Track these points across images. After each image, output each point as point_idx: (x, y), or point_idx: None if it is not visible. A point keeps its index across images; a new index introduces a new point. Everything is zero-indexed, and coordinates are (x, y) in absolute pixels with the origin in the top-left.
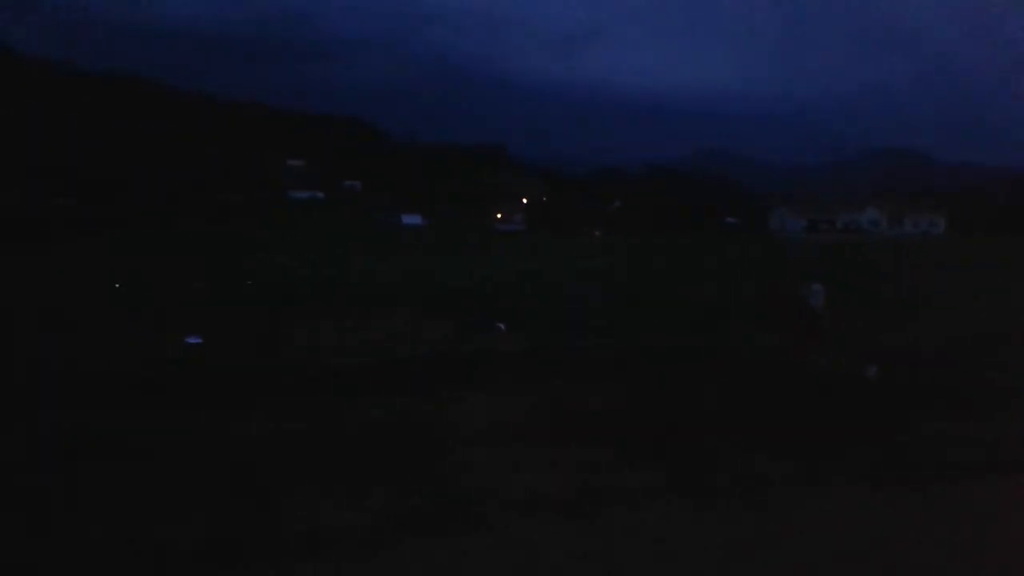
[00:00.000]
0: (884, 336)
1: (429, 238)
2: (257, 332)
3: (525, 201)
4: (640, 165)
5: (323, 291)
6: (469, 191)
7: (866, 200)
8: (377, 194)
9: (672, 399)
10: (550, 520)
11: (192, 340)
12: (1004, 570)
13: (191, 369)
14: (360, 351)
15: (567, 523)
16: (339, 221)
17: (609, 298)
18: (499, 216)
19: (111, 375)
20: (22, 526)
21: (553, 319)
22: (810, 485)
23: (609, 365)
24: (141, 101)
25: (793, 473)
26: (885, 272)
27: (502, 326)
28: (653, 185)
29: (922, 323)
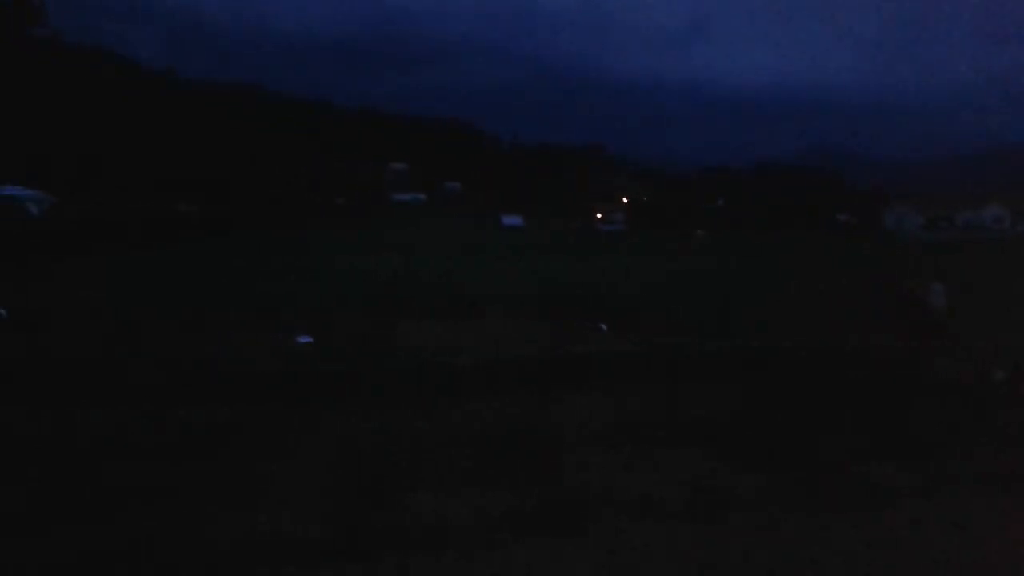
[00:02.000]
0: (1012, 338)
1: (529, 239)
2: (367, 332)
3: (626, 201)
4: (748, 163)
5: (427, 292)
6: (570, 191)
7: (989, 196)
8: (478, 195)
9: (785, 402)
10: (661, 525)
11: (303, 340)
12: None
13: (306, 368)
14: (466, 352)
15: (678, 528)
16: (440, 222)
17: (714, 298)
18: (600, 216)
19: (232, 373)
20: (157, 515)
21: (657, 320)
22: (933, 493)
23: (717, 366)
24: (252, 108)
25: (915, 480)
26: (1011, 271)
27: (604, 327)
28: (761, 183)
29: None
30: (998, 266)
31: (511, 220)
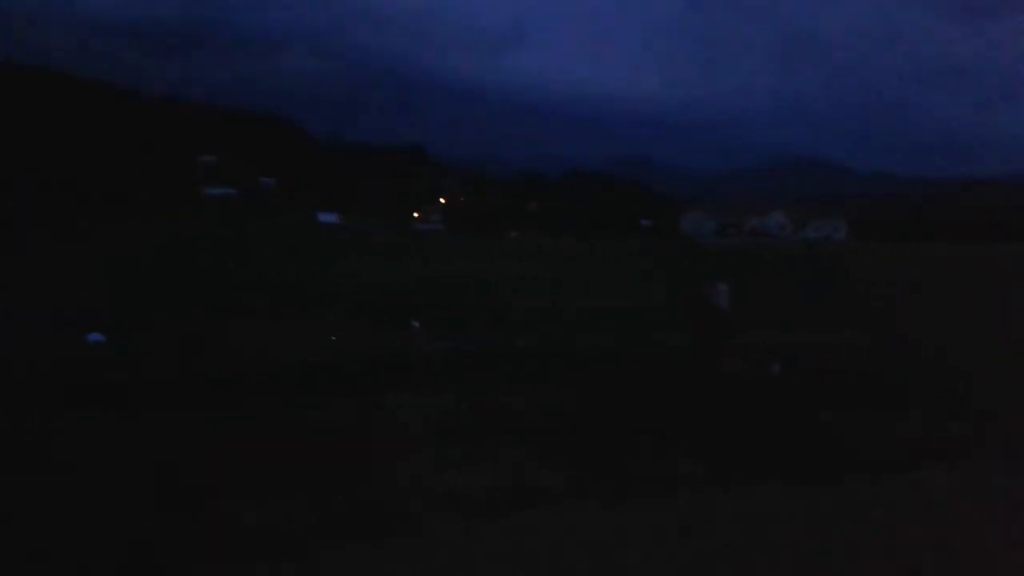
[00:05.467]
0: (786, 336)
1: (346, 237)
2: (176, 333)
3: (443, 201)
4: (561, 169)
5: (239, 292)
6: (388, 190)
7: (772, 205)
8: (293, 192)
9: (586, 400)
10: (471, 520)
11: (94, 338)
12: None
13: (109, 370)
14: (281, 353)
15: (487, 523)
16: (253, 219)
17: (525, 299)
18: (417, 216)
19: (16, 377)
20: None
21: (471, 320)
22: (718, 484)
23: (525, 366)
24: (50, 94)
25: (702, 472)
26: (788, 274)
27: (416, 324)
28: (573, 188)
29: (824, 323)
30: (776, 270)
31: (327, 217)
